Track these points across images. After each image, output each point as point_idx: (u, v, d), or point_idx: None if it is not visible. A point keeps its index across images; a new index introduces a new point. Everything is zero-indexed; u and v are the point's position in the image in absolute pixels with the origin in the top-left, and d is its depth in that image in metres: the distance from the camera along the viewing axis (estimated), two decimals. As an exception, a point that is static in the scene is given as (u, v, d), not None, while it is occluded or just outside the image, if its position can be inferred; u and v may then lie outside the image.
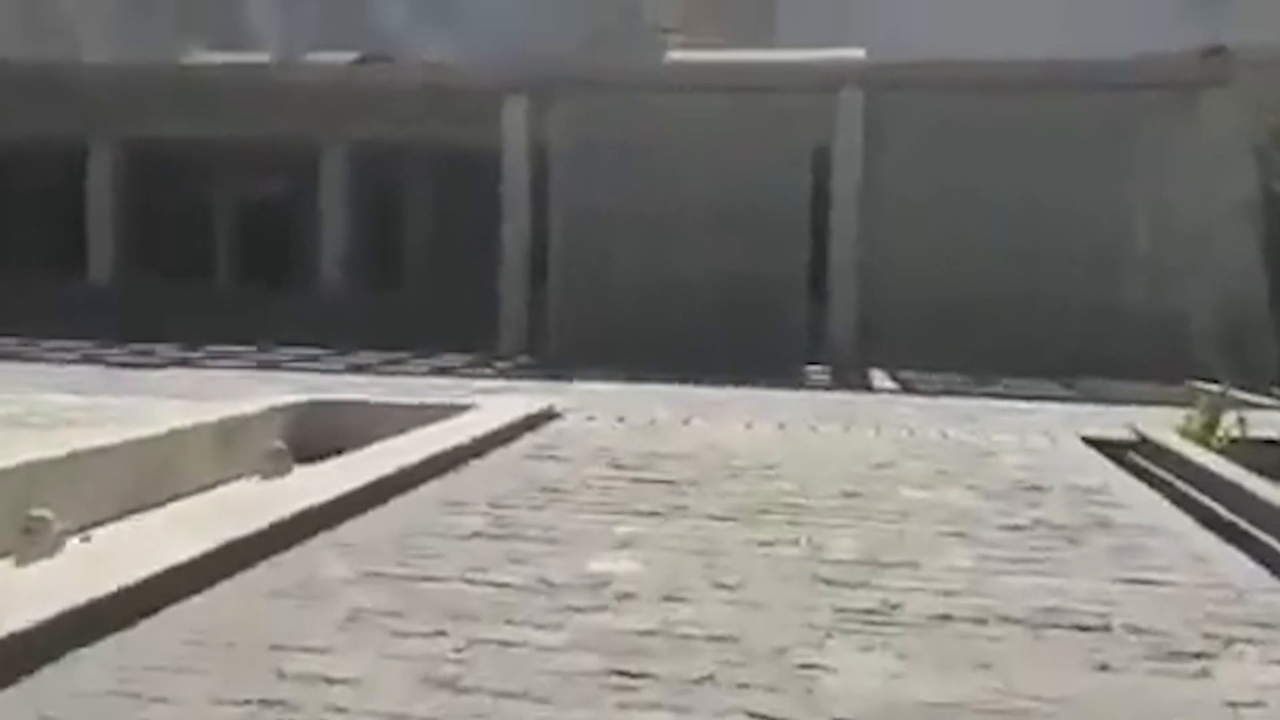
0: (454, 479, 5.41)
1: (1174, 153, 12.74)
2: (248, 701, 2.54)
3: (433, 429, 6.55)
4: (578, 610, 3.31)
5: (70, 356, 11.99)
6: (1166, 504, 5.34)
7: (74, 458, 5.32)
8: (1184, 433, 6.53)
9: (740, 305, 13.32)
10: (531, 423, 7.16)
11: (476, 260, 14.84)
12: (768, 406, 8.98)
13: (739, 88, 13.74)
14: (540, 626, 3.15)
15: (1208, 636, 3.20)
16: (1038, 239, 12.95)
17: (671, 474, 5.65)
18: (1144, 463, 6.54)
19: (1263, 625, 3.33)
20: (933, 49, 13.58)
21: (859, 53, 14.71)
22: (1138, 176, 12.98)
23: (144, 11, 21.67)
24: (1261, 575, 3.96)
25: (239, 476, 6.36)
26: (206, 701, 2.55)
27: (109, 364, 11.52)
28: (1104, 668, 2.94)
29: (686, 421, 7.70)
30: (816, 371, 12.62)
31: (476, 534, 4.29)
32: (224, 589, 3.39)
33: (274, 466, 5.95)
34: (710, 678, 2.77)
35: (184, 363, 11.72)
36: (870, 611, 3.37)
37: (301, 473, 5.83)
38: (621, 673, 2.78)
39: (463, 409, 7.60)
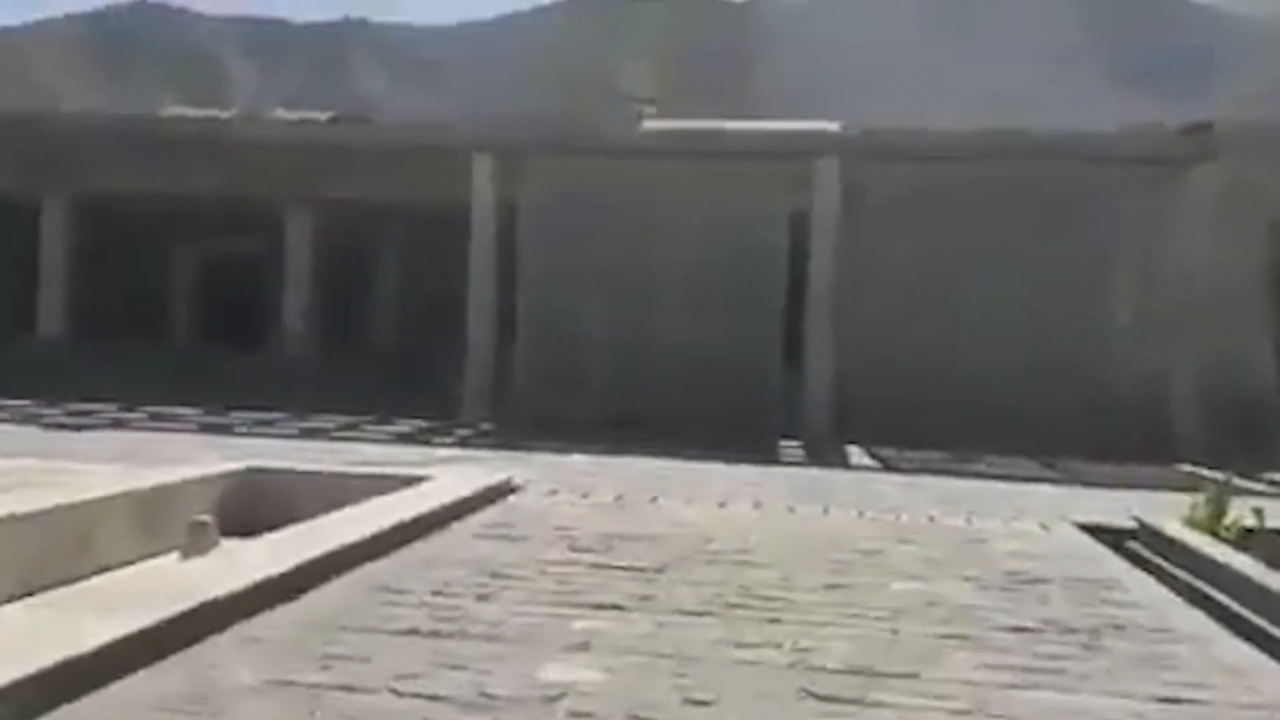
0: (395, 561, 4.85)
1: (1159, 226, 12.48)
2: None
3: (376, 503, 5.99)
4: (522, 734, 2.77)
5: (4, 415, 11.33)
6: (1180, 602, 4.85)
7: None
8: (1190, 522, 6.06)
9: (714, 374, 12.86)
10: (487, 497, 6.62)
11: (443, 323, 14.35)
12: (742, 483, 8.47)
13: (714, 153, 13.41)
14: (475, 756, 2.61)
15: (1270, 777, 2.70)
16: (1020, 313, 12.61)
17: (638, 559, 5.12)
18: (1146, 553, 6.06)
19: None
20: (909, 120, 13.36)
21: (834, 125, 14.45)
22: (1123, 249, 12.69)
23: (124, 68, 21.31)
24: (1308, 693, 3.47)
25: (162, 552, 5.77)
26: None
27: (46, 424, 10.89)
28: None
29: (655, 499, 7.18)
30: (791, 446, 12.14)
31: (412, 630, 3.73)
32: (92, 702, 2.82)
33: (196, 542, 5.37)
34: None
35: (123, 424, 11.10)
36: (870, 739, 2.85)
37: (226, 550, 5.26)
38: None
39: (414, 480, 7.05)
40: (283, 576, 4.17)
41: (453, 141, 13.79)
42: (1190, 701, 3.31)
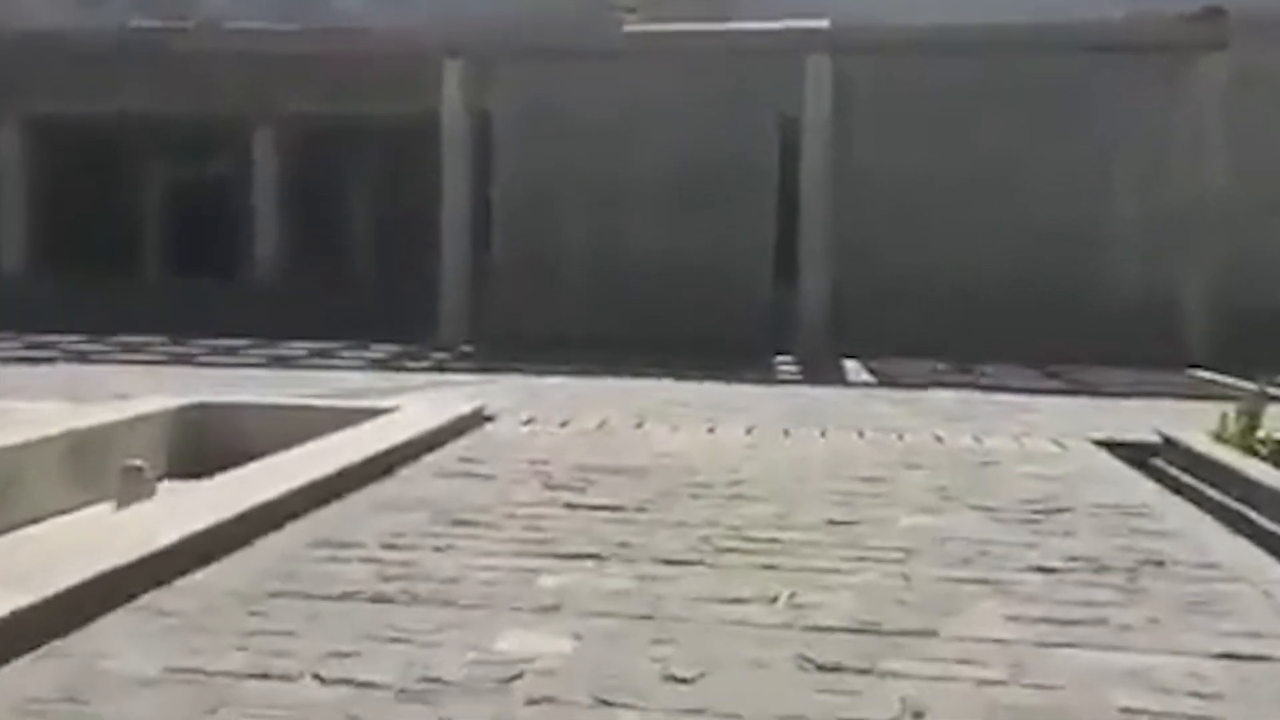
0: (345, 507, 4.35)
1: (1167, 119, 11.83)
2: None
3: (334, 439, 5.48)
4: (465, 733, 2.29)
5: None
6: (1220, 529, 4.38)
7: None
8: (1220, 436, 5.58)
9: (702, 288, 12.29)
10: (457, 428, 6.11)
11: (420, 242, 13.71)
12: (733, 404, 7.98)
13: (697, 53, 12.68)
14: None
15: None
16: (1020, 213, 12.01)
17: (618, 496, 4.63)
18: (1174, 471, 5.59)
19: None
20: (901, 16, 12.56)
21: (824, 23, 13.67)
22: (1130, 146, 12.04)
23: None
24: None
25: (98, 500, 5.27)
26: None
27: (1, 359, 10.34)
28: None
29: (639, 425, 6.68)
30: (785, 361, 11.63)
31: (353, 593, 3.24)
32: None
33: (129, 490, 4.86)
34: None
35: (84, 357, 10.54)
36: (886, 725, 2.38)
37: (163, 497, 4.76)
38: None
39: (379, 412, 6.55)
40: (211, 530, 3.67)
41: (421, 47, 12.99)
42: (1255, 658, 2.83)
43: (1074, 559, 3.78)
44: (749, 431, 6.54)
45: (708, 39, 13.15)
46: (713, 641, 2.89)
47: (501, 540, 3.89)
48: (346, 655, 2.71)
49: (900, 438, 6.41)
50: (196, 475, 5.31)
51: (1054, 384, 10.06)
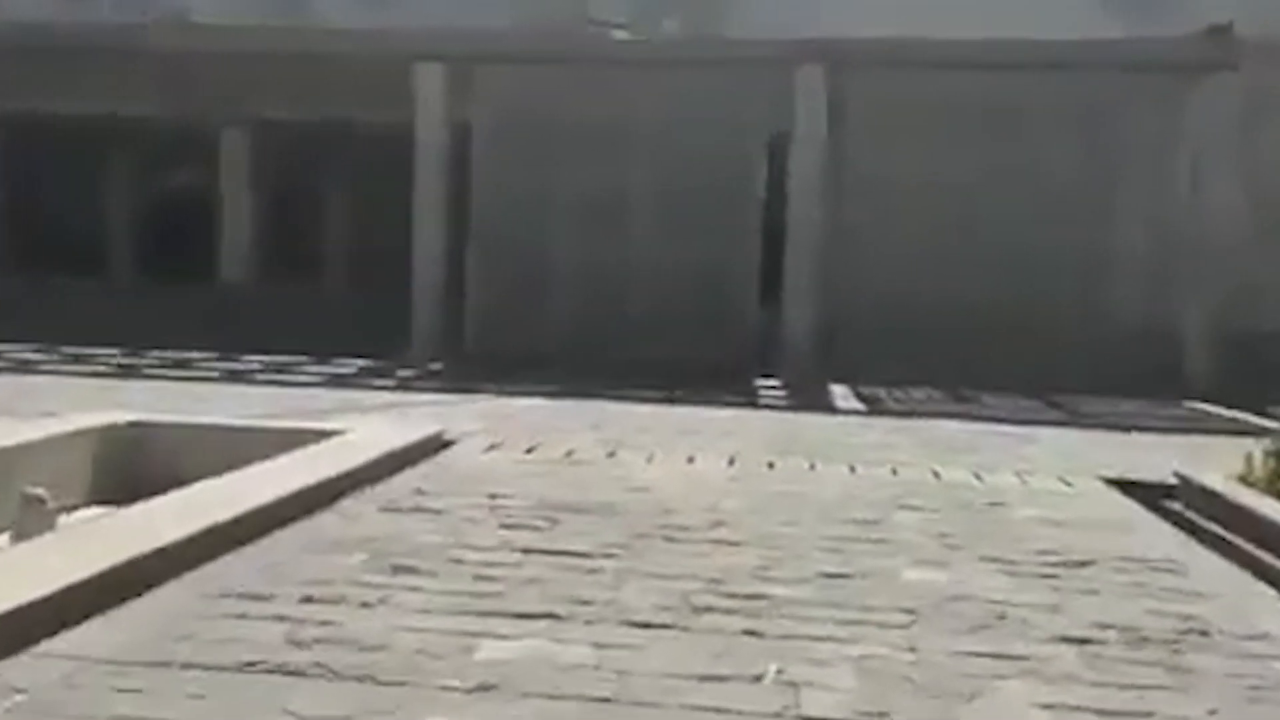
0: (265, 549, 3.80)
1: (1173, 143, 11.40)
2: None
3: (272, 464, 4.94)
4: None
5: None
6: (1263, 589, 3.87)
7: None
8: (1245, 479, 5.09)
9: (687, 308, 11.79)
10: (409, 456, 5.56)
11: (396, 256, 13.15)
12: (715, 430, 7.46)
13: (687, 63, 12.21)
14: None
15: None
16: (1018, 237, 11.54)
17: (583, 539, 4.09)
18: (1191, 514, 5.11)
19: None
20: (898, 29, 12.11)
21: (815, 36, 13.22)
22: (1132, 169, 11.61)
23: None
24: None
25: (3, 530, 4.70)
26: None
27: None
28: None
29: (612, 454, 6.14)
30: (771, 385, 11.11)
31: (254, 663, 2.69)
32: None
33: (27, 521, 4.29)
34: None
35: (29, 367, 9.93)
36: None
37: (62, 531, 4.20)
38: None
39: (331, 434, 6.01)
40: (98, 578, 3.11)
41: (398, 49, 12.45)
42: (1346, 769, 2.32)
43: (1105, 626, 3.26)
44: (731, 462, 6.02)
45: (694, 49, 12.70)
46: (683, 738, 2.36)
47: (443, 593, 3.35)
48: (226, 753, 2.17)
49: (894, 472, 5.90)
50: (125, 501, 4.76)
51: (1053, 415, 9.59)
